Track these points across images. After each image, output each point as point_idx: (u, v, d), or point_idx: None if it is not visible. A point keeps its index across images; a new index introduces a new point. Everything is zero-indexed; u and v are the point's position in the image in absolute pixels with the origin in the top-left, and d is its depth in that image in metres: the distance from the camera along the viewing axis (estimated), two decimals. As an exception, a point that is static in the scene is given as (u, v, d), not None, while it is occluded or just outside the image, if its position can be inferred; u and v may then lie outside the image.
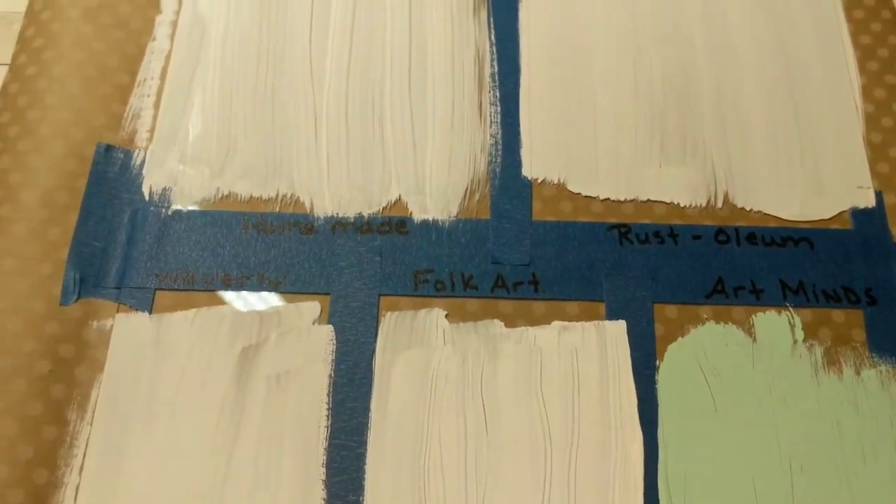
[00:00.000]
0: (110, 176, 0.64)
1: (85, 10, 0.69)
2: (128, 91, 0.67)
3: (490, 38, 0.72)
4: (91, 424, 0.56)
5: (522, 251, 0.63)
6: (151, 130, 0.66)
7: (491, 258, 0.62)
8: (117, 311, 0.59)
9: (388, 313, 0.60)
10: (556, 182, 0.65)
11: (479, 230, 0.63)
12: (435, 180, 0.65)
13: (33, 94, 0.66)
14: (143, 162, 0.65)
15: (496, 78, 0.70)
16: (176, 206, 0.63)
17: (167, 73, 0.69)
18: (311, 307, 0.60)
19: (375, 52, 0.70)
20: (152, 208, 0.63)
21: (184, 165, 0.65)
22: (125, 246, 0.61)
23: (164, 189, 0.64)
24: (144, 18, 0.71)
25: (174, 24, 0.71)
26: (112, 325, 0.59)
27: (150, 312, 0.59)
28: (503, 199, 0.65)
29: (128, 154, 0.65)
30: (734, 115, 0.68)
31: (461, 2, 0.73)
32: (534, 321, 0.60)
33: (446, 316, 0.60)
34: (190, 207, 0.63)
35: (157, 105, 0.67)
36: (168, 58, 0.69)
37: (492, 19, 0.72)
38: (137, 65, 0.69)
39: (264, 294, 0.60)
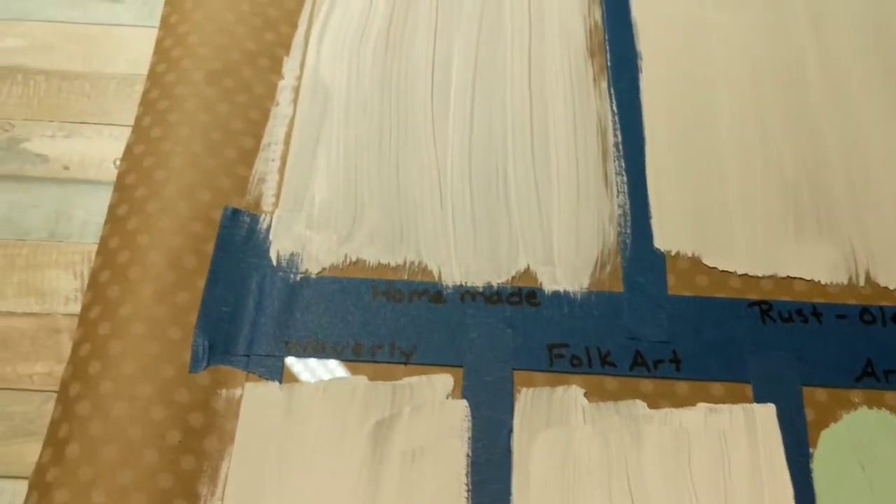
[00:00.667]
0: (237, 240, 0.61)
1: (208, 74, 0.68)
2: (252, 155, 0.65)
3: (612, 107, 0.69)
4: (222, 501, 0.52)
5: (660, 327, 0.59)
6: (277, 195, 0.64)
7: (627, 333, 0.59)
8: (246, 380, 0.56)
9: (524, 389, 0.56)
10: (689, 255, 0.62)
11: (613, 303, 0.60)
12: (564, 251, 0.62)
13: (159, 155, 0.64)
14: (269, 226, 0.62)
15: (620, 148, 0.67)
16: (304, 272, 0.60)
17: (291, 138, 0.67)
18: (444, 380, 0.57)
19: (497, 121, 0.68)
20: (280, 273, 0.60)
21: (311, 231, 0.62)
22: (253, 312, 0.59)
23: (292, 254, 0.61)
24: (267, 83, 0.69)
25: (296, 90, 0.69)
26: (241, 395, 0.55)
27: (280, 381, 0.56)
28: (636, 272, 0.61)
29: (254, 218, 0.63)
30: (868, 191, 0.64)
31: (581, 72, 0.71)
32: (677, 402, 0.56)
33: (585, 394, 0.56)
34: (318, 273, 0.60)
35: (281, 170, 0.65)
36: (291, 123, 0.67)
37: (612, 89, 0.70)
38: (261, 129, 0.67)
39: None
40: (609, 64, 0.71)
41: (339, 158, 0.66)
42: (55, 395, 0.54)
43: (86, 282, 0.59)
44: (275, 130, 0.67)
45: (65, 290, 0.59)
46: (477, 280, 0.61)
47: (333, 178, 0.65)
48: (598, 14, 0.74)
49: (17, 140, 0.65)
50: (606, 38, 0.73)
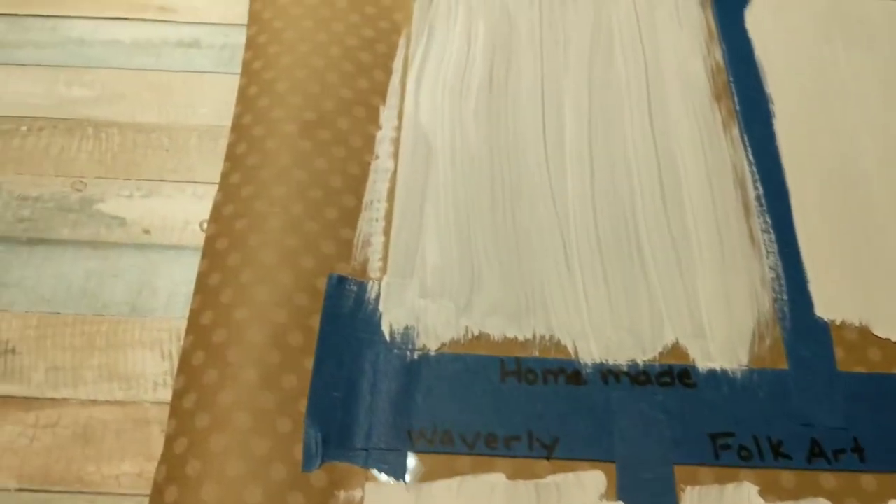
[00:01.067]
0: (345, 312, 0.53)
1: (302, 125, 0.60)
2: (355, 215, 0.58)
3: (747, 156, 0.61)
4: None
5: (835, 410, 0.51)
6: (384, 259, 0.56)
7: (799, 418, 0.50)
8: (367, 480, 0.48)
9: (689, 488, 0.48)
10: (856, 324, 0.54)
11: (778, 383, 0.51)
12: (715, 321, 0.54)
13: (252, 216, 0.56)
14: (378, 295, 0.54)
15: (762, 201, 0.59)
16: (421, 348, 0.53)
17: (395, 194, 0.59)
18: (596, 479, 0.48)
19: (620, 172, 0.60)
20: (395, 351, 0.52)
21: (425, 300, 0.54)
22: (369, 397, 0.51)
23: (406, 328, 0.53)
24: (364, 135, 0.62)
25: (396, 142, 0.62)
26: (362, 497, 0.47)
27: (406, 480, 0.48)
28: (799, 345, 0.53)
29: (361, 286, 0.55)
30: None
31: (708, 117, 0.63)
32: (866, 500, 0.48)
33: (759, 492, 0.48)
34: (437, 350, 0.53)
35: (387, 230, 0.57)
36: (394, 178, 0.60)
37: (745, 136, 0.63)
38: (362, 185, 0.59)
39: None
40: (738, 108, 0.64)
41: (449, 217, 0.58)
42: (147, 501, 0.46)
43: (176, 363, 0.51)
44: (377, 186, 0.59)
45: (152, 373, 0.51)
46: (619, 357, 0.52)
47: (445, 239, 0.57)
48: (718, 54, 0.67)
49: (90, 201, 0.58)
50: (731, 80, 0.66)
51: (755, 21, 0.69)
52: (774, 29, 0.69)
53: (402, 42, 0.67)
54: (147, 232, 0.57)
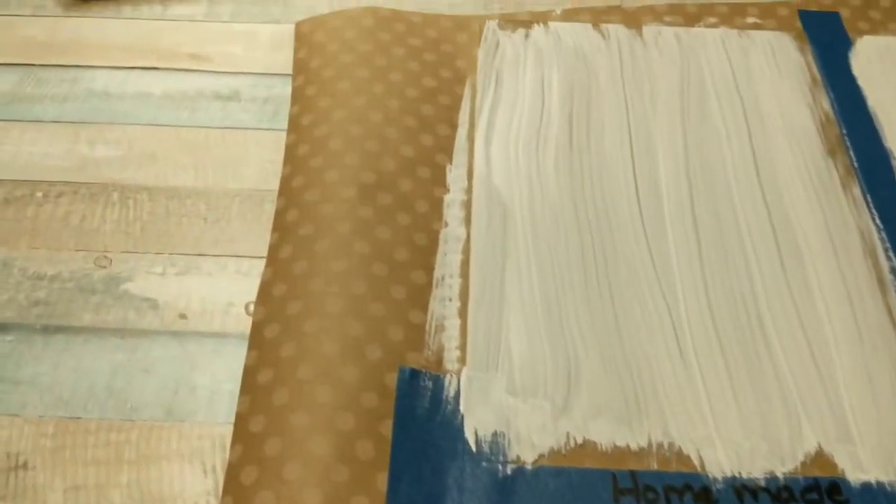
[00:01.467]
0: (419, 413, 0.44)
1: (361, 189, 0.52)
2: (425, 294, 0.49)
3: (874, 221, 0.53)
4: None
5: None
6: (462, 347, 0.47)
7: (982, 546, 0.41)
8: None
9: None
10: None
11: (950, 500, 0.43)
12: (861, 420, 0.45)
13: (307, 298, 0.47)
14: (458, 392, 0.46)
15: (899, 274, 0.51)
16: (514, 460, 0.44)
17: (469, 268, 0.51)
18: None
19: (730, 239, 0.52)
20: (484, 463, 0.43)
21: (514, 398, 0.45)
22: (456, 523, 0.42)
23: (495, 434, 0.44)
24: (430, 198, 0.53)
25: (467, 205, 0.53)
26: None
27: None
28: (971, 452, 0.44)
29: (437, 381, 0.46)
30: None
31: (823, 175, 0.55)
32: None
33: None
34: (534, 462, 0.44)
35: (463, 312, 0.49)
36: (466, 249, 0.52)
37: (868, 196, 0.54)
38: (431, 258, 0.51)
39: None
40: (856, 165, 0.56)
41: (534, 293, 0.49)
42: None
43: (220, 482, 0.42)
44: (448, 259, 0.51)
45: (192, 492, 0.42)
46: (754, 468, 0.43)
47: (533, 323, 0.48)
48: (825, 103, 0.59)
49: (116, 279, 0.50)
50: (844, 132, 0.57)
51: (863, 67, 0.61)
52: (884, 75, 0.61)
53: (467, 92, 0.59)
54: (183, 317, 0.48)
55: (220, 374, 0.46)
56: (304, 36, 0.62)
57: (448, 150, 0.56)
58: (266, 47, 0.62)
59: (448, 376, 0.46)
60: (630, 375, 0.46)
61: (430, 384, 0.46)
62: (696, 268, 0.51)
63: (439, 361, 0.47)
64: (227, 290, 0.49)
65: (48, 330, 0.48)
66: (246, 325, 0.48)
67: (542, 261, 0.51)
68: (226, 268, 0.50)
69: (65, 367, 0.46)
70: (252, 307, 0.49)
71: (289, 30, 0.63)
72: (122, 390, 0.45)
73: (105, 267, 0.50)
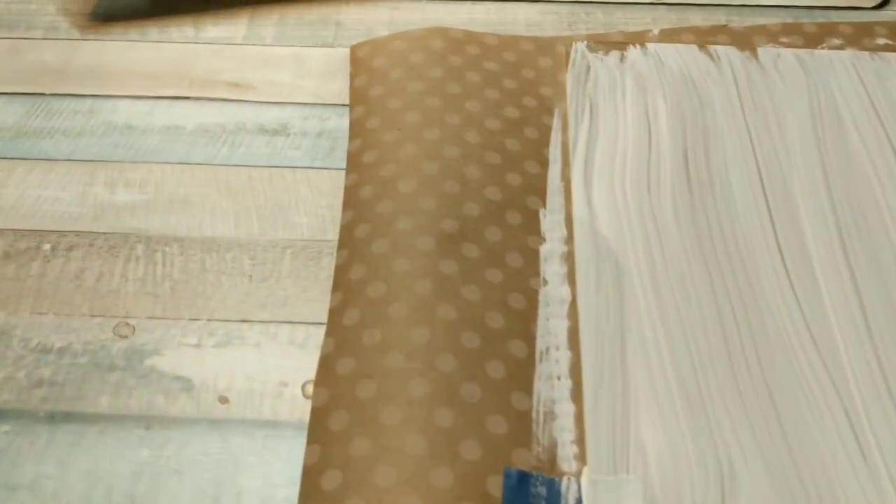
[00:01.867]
0: (534, 532, 0.35)
1: (440, 240, 0.42)
2: (527, 371, 0.39)
3: None
4: None
5: None
6: (580, 441, 0.37)
7: None
8: None
9: None
10: None
11: None
12: None
13: (381, 377, 0.37)
14: (579, 500, 0.35)
15: None
16: None
17: (579, 338, 0.41)
18: None
19: (896, 300, 0.42)
20: None
21: (655, 510, 0.35)
22: None
23: (634, 559, 0.34)
24: (524, 250, 0.44)
25: (569, 259, 0.44)
26: None
27: None
28: None
29: (552, 486, 0.36)
30: None
31: None
32: None
33: None
34: None
35: (576, 395, 0.39)
36: (573, 314, 0.42)
37: None
38: (531, 325, 0.41)
39: None
40: None
41: (666, 372, 0.39)
42: None
43: None
44: (551, 326, 0.41)
45: None
46: None
47: (669, 411, 0.38)
48: None
49: (140, 352, 0.40)
50: None
51: None
52: None
53: (556, 123, 0.50)
54: (224, 400, 0.38)
55: (274, 476, 0.36)
56: (362, 61, 0.53)
57: (540, 192, 0.46)
58: (317, 74, 0.53)
59: (565, 480, 0.36)
60: (801, 479, 0.36)
61: (543, 490, 0.35)
62: (864, 342, 0.40)
63: (553, 460, 0.36)
64: (278, 365, 0.40)
65: (54, 418, 0.38)
66: (304, 410, 0.38)
67: (671, 330, 0.41)
68: (276, 337, 0.41)
69: (75, 467, 0.36)
70: (311, 388, 0.39)
71: (342, 54, 0.54)
72: (147, 497, 0.35)
73: (126, 337, 0.41)
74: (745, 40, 0.55)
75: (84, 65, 0.53)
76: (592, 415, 0.38)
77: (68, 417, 0.38)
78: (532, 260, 0.43)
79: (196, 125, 0.50)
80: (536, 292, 0.42)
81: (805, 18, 0.57)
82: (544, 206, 0.46)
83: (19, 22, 0.56)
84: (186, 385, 0.39)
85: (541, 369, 0.39)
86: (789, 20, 0.57)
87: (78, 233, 0.45)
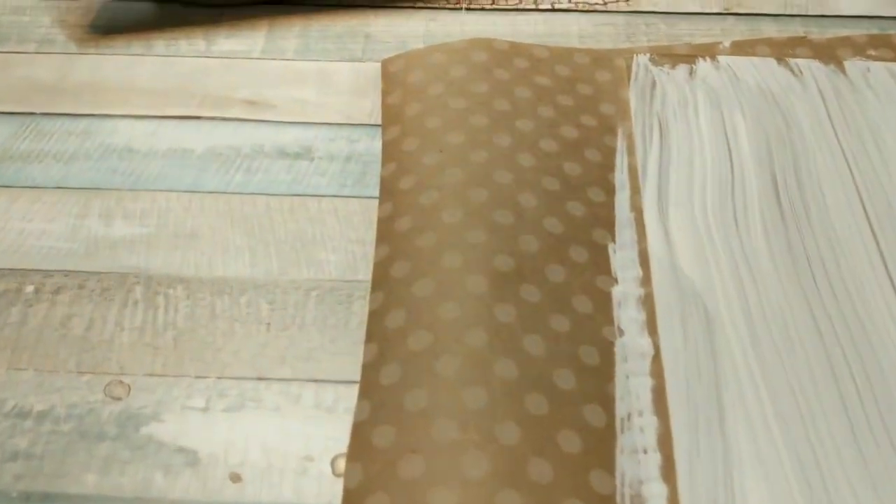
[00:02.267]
0: None
1: (493, 280, 0.36)
2: (607, 442, 0.32)
3: None
4: None
5: None
6: (677, 532, 0.30)
7: None
8: None
9: None
10: None
11: None
12: None
13: (427, 451, 0.30)
14: None
15: None
16: None
17: (666, 399, 0.34)
18: None
19: None
20: None
21: None
22: None
23: None
24: (592, 293, 0.37)
25: (647, 304, 0.37)
26: None
27: None
28: None
29: None
30: None
31: None
32: None
33: None
34: None
35: (668, 472, 0.32)
36: (658, 370, 0.35)
37: None
38: (608, 385, 0.34)
39: None
40: None
41: (777, 447, 0.32)
42: None
43: None
44: (632, 386, 0.34)
45: None
46: None
47: (780, 485, 0.31)
48: None
49: (136, 417, 0.33)
50: None
51: None
52: None
53: (620, 144, 0.43)
54: (237, 478, 0.31)
55: (297, 579, 0.29)
56: (395, 76, 0.47)
57: (608, 223, 0.40)
58: (345, 90, 0.46)
59: (662, 583, 0.29)
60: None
61: None
62: None
63: (645, 556, 0.29)
64: (302, 434, 0.33)
65: (30, 500, 0.31)
66: (334, 491, 0.31)
67: (777, 389, 0.34)
68: (299, 400, 0.34)
69: (51, 565, 0.29)
70: (342, 464, 0.32)
71: (373, 69, 0.48)
72: None
73: (120, 398, 0.34)
74: (828, 53, 0.48)
75: (81, 81, 0.47)
76: (689, 496, 0.31)
77: (47, 499, 0.31)
78: (603, 305, 0.36)
79: (206, 148, 0.43)
80: (612, 344, 0.35)
81: (891, 29, 0.51)
82: (613, 240, 0.39)
83: (10, 35, 0.49)
84: (191, 459, 0.32)
85: (623, 441, 0.32)
86: (875, 31, 0.50)
87: (66, 272, 0.38)
